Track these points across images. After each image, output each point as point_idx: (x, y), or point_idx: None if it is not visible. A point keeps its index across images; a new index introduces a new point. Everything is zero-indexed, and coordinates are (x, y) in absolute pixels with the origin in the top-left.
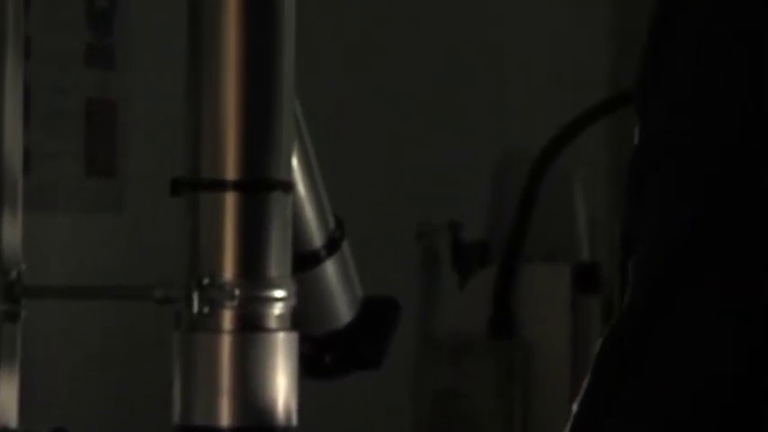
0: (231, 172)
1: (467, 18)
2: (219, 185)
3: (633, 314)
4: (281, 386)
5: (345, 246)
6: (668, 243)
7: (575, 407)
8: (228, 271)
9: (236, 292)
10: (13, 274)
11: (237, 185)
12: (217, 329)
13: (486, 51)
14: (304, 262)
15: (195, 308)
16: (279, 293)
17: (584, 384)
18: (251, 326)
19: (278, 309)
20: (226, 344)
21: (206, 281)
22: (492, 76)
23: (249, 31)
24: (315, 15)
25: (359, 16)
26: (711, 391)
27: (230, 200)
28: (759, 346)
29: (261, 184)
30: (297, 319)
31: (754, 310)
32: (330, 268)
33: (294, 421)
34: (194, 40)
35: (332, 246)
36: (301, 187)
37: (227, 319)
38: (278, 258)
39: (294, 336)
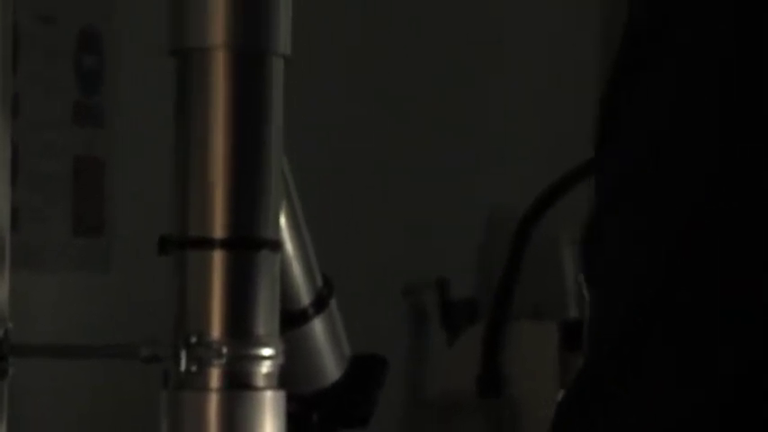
0: (219, 230)
1: (453, 76)
2: (207, 244)
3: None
4: None
5: (333, 303)
6: (636, 290)
7: None
8: (216, 329)
9: (224, 350)
10: (1, 332)
11: (225, 244)
12: (204, 387)
13: (474, 110)
14: (292, 320)
15: (183, 366)
16: (266, 352)
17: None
18: (238, 384)
19: (266, 367)
20: (213, 402)
21: (193, 339)
22: (480, 133)
23: (237, 90)
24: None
25: (337, 67)
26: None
27: (218, 258)
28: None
29: (249, 243)
30: (284, 378)
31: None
32: (318, 326)
33: None
34: (182, 98)
35: (320, 304)
36: (289, 245)
37: (215, 377)
38: (266, 317)
39: (282, 394)
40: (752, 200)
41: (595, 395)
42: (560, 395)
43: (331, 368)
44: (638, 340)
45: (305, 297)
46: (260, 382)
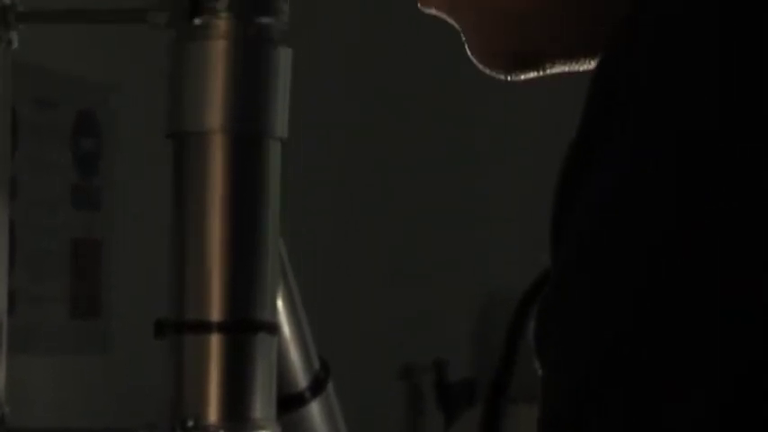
0: (216, 313)
1: (454, 157)
2: (204, 327)
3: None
4: None
5: (330, 386)
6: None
7: None
8: (213, 413)
9: None
10: None
11: (222, 327)
12: None
13: (472, 194)
14: (289, 403)
15: None
16: None
17: None
18: None
19: None
20: None
21: (190, 423)
22: (478, 215)
23: (233, 173)
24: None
25: (343, 142)
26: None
27: (215, 341)
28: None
29: (246, 326)
30: None
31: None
32: (315, 409)
33: None
34: (179, 181)
35: (317, 387)
36: (286, 328)
37: None
38: (263, 400)
39: None
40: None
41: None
42: None
43: None
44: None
45: (302, 380)
46: None
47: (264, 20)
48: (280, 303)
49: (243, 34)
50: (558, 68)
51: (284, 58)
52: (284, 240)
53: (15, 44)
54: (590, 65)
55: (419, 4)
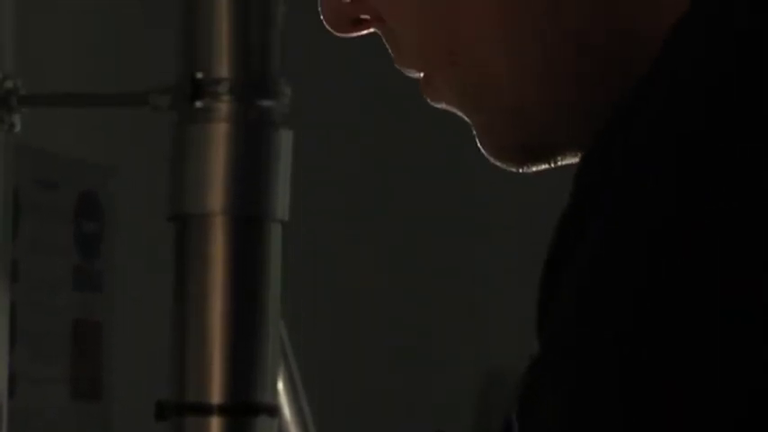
0: (216, 396)
1: (454, 244)
2: (205, 410)
3: None
4: None
5: None
6: None
7: None
8: None
9: None
10: None
11: (223, 410)
12: None
13: (470, 273)
14: None
15: None
16: None
17: None
18: None
19: None
20: None
21: None
22: (476, 296)
23: (235, 255)
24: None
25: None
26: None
27: (216, 424)
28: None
29: (246, 409)
30: None
31: None
32: None
33: None
34: (180, 263)
35: None
36: (287, 410)
37: None
38: None
39: None
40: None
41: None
42: None
43: None
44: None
45: None
46: None
47: (266, 103)
48: (280, 385)
49: (244, 117)
50: (570, 159)
51: (285, 141)
52: (284, 321)
53: (18, 127)
54: None
55: (428, 99)
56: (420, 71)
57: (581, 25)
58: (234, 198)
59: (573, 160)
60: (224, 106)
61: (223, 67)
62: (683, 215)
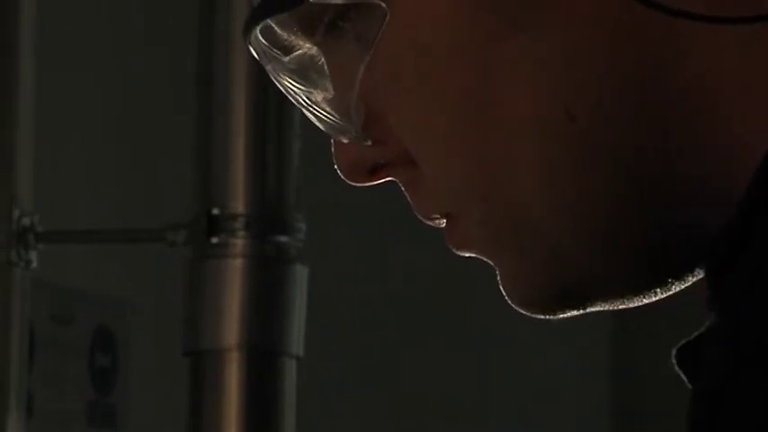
0: None
1: (459, 364)
2: None
3: None
4: None
5: None
6: None
7: None
8: None
9: None
10: None
11: None
12: None
13: (501, 394)
14: None
15: None
16: None
17: None
18: None
19: None
20: None
21: None
22: (508, 413)
23: (250, 391)
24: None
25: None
26: None
27: None
28: None
29: None
30: None
31: None
32: None
33: None
34: (195, 399)
35: None
36: None
37: None
38: None
39: None
40: None
41: None
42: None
43: None
44: None
45: None
46: None
47: (281, 239)
48: None
49: (260, 253)
50: (599, 306)
51: (300, 276)
52: None
53: (35, 264)
54: (631, 303)
55: (455, 248)
56: (445, 214)
57: (626, 150)
58: (249, 333)
59: (602, 307)
60: (240, 242)
61: (239, 203)
62: None
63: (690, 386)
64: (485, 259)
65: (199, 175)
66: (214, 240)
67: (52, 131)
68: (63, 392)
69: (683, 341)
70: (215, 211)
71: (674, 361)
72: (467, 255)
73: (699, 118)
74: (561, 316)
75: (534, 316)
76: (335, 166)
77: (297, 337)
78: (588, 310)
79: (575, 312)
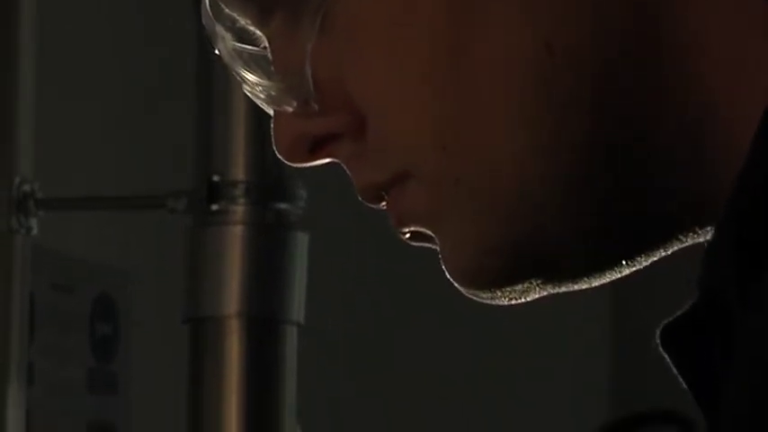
0: None
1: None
2: None
3: None
4: None
5: None
6: None
7: None
8: None
9: None
10: None
11: None
12: None
13: (497, 372)
14: None
15: None
16: None
17: None
18: None
19: None
20: None
21: None
22: (503, 391)
23: (250, 358)
24: None
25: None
26: None
27: None
28: None
29: None
30: None
31: None
32: None
33: None
34: (195, 365)
35: None
36: None
37: None
38: None
39: None
40: None
41: None
42: None
43: None
44: None
45: None
46: None
47: (281, 206)
48: None
49: (260, 220)
50: (552, 284)
51: (301, 243)
52: (300, 424)
53: (35, 231)
54: (587, 279)
55: (397, 224)
56: (391, 182)
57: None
58: (250, 301)
59: (554, 285)
60: (240, 209)
61: (239, 170)
62: None
63: (675, 371)
64: (425, 238)
65: (199, 142)
66: (214, 207)
67: (53, 98)
68: (64, 361)
69: (665, 321)
70: (215, 179)
71: (657, 341)
72: (406, 233)
73: (686, 58)
74: (510, 293)
75: (478, 298)
76: (273, 145)
77: (297, 303)
78: (536, 292)
79: (519, 288)
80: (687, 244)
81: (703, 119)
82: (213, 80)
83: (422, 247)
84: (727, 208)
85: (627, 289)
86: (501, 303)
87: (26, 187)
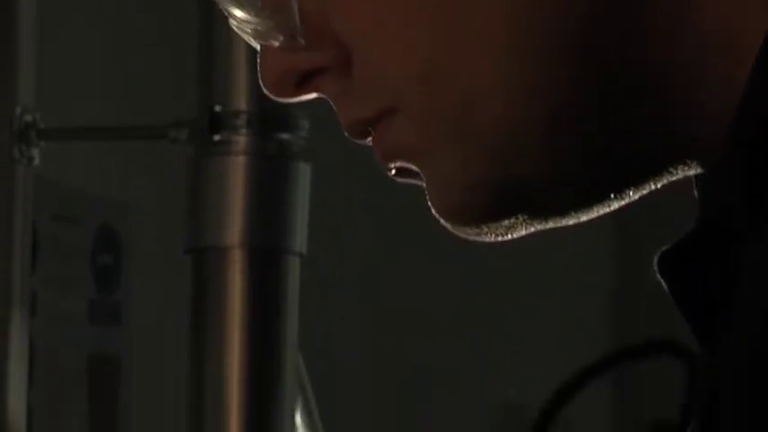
0: (234, 428)
1: (464, 282)
2: None
3: None
4: None
5: None
6: None
7: None
8: None
9: None
10: None
11: None
12: None
13: (484, 309)
14: None
15: None
16: None
17: None
18: None
19: None
20: None
21: None
22: (491, 328)
23: (253, 288)
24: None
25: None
26: None
27: None
28: None
29: None
30: None
31: None
32: None
33: None
34: (198, 296)
35: None
36: None
37: None
38: None
39: None
40: None
41: None
42: None
43: None
44: None
45: None
46: None
47: (284, 136)
48: (298, 418)
49: (262, 150)
50: (535, 221)
51: (303, 174)
52: (302, 354)
53: (37, 161)
54: (572, 215)
55: (382, 159)
56: (377, 117)
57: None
58: (252, 231)
59: (538, 221)
60: (242, 139)
61: (241, 100)
62: None
63: (671, 297)
64: (411, 174)
65: (201, 72)
66: (216, 138)
67: (54, 27)
68: (66, 291)
69: (663, 248)
70: (217, 109)
71: (655, 268)
72: (392, 169)
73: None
74: (495, 230)
75: (464, 234)
76: (260, 79)
77: (300, 234)
78: (523, 228)
79: (505, 224)
80: (678, 176)
81: (700, 52)
82: (215, 10)
83: (408, 183)
84: (730, 137)
85: (627, 225)
86: (487, 239)
87: (28, 117)
